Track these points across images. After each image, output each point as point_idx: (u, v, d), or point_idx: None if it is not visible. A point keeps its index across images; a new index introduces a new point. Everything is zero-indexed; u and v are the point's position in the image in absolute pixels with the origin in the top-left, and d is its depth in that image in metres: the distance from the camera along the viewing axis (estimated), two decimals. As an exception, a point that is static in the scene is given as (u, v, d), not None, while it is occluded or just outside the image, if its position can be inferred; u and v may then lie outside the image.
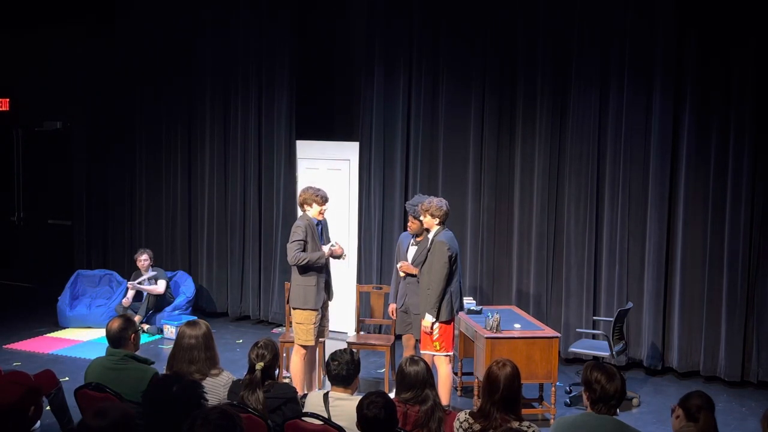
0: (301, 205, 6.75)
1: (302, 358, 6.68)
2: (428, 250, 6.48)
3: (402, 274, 6.85)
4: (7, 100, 11.35)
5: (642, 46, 7.90)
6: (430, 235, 6.55)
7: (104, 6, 10.38)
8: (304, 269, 6.60)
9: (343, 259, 6.90)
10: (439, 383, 6.33)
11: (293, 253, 6.55)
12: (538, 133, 8.36)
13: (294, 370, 6.73)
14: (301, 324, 6.64)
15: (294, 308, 6.71)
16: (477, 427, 4.02)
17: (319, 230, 6.71)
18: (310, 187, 6.75)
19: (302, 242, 6.57)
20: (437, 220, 6.50)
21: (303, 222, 6.65)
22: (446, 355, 6.45)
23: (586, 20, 8.08)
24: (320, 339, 6.89)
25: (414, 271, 6.69)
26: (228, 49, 9.77)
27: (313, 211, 6.65)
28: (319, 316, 6.67)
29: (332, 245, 6.72)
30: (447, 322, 6.43)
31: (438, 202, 6.56)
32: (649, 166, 7.96)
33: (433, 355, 6.44)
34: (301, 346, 6.67)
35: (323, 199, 6.67)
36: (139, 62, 10.31)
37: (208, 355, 4.69)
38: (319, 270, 6.63)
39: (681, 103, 7.83)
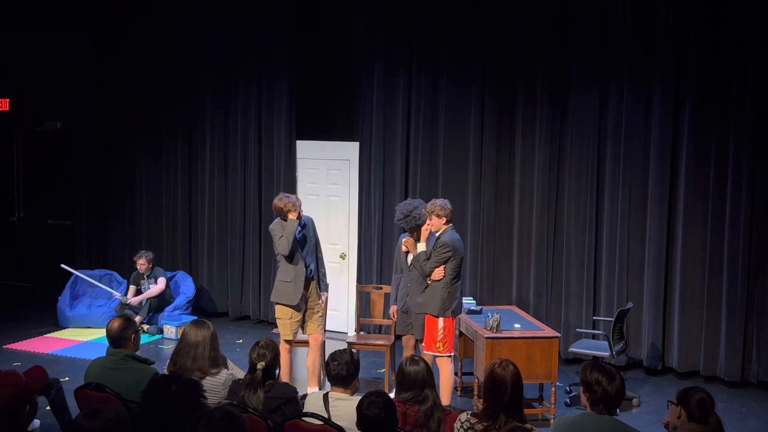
0: (282, 213, 6.77)
1: (287, 352, 6.80)
2: (433, 248, 6.47)
3: (404, 248, 6.78)
4: (7, 100, 11.33)
5: (642, 45, 7.90)
6: (437, 234, 6.51)
7: (105, 6, 10.38)
8: (285, 262, 6.75)
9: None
10: (441, 383, 6.34)
11: (276, 243, 6.75)
12: (538, 132, 8.35)
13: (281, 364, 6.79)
14: (279, 319, 6.91)
15: (275, 302, 6.95)
16: (479, 427, 4.00)
17: (299, 233, 6.80)
18: (284, 195, 6.88)
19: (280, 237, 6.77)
20: (444, 219, 6.48)
21: (275, 225, 6.87)
22: (448, 356, 6.45)
23: (585, 20, 8.08)
24: (310, 335, 6.95)
25: (414, 250, 6.62)
26: (228, 49, 9.77)
27: (294, 215, 6.75)
28: (299, 313, 6.81)
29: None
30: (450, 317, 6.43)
31: (441, 202, 6.54)
32: (649, 166, 7.96)
33: (435, 356, 6.43)
34: (284, 341, 6.87)
35: (299, 201, 6.84)
36: (139, 62, 10.30)
37: (212, 354, 4.73)
38: (296, 264, 6.76)
39: (681, 104, 7.83)
